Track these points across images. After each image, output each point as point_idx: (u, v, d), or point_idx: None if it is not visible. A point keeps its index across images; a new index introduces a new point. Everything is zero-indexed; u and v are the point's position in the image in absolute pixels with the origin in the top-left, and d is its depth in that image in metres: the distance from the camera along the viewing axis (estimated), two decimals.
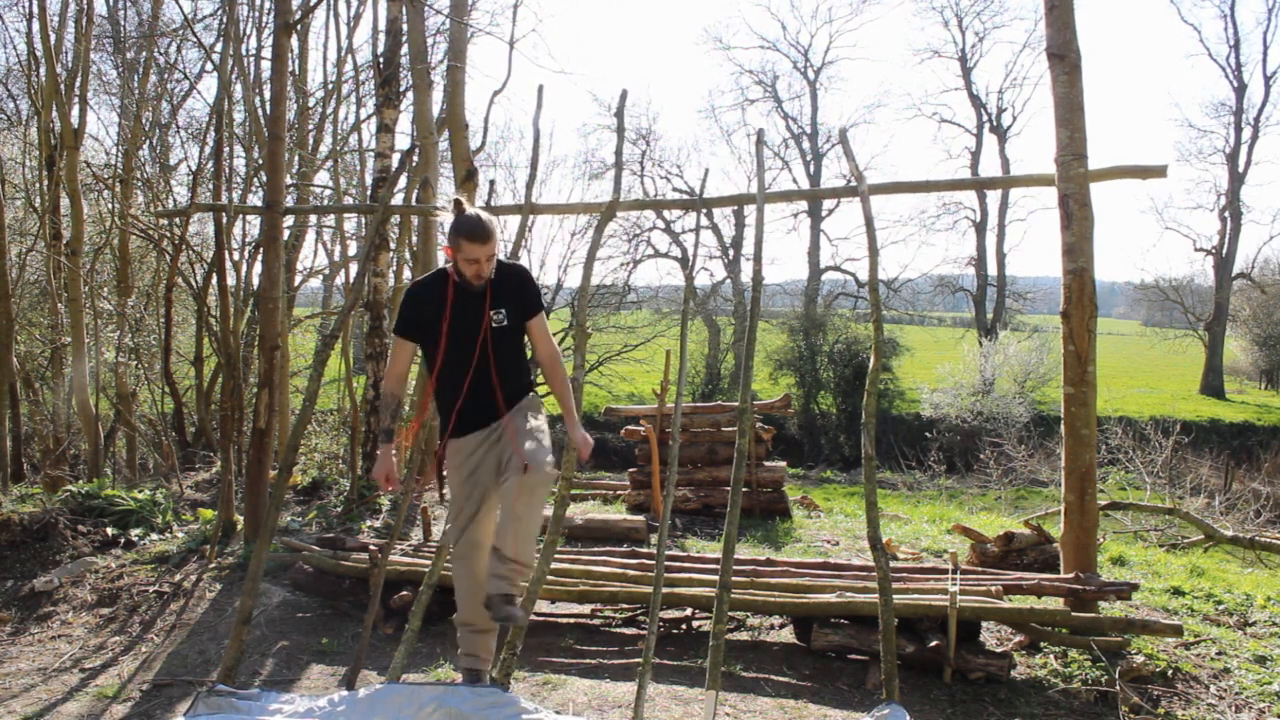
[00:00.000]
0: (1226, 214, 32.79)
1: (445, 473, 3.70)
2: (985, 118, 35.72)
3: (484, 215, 3.44)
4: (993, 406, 23.39)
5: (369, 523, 7.12)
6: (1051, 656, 4.29)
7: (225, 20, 9.90)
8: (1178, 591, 5.41)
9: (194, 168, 12.65)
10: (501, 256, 3.58)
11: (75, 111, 10.47)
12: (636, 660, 4.13)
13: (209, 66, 13.05)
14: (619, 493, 9.43)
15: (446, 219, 3.46)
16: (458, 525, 3.60)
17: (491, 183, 17.52)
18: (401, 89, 9.64)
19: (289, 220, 11.08)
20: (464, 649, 3.71)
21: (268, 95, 7.77)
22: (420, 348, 3.61)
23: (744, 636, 4.74)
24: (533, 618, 4.31)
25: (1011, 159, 35.44)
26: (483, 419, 3.55)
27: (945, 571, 4.68)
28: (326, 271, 17.46)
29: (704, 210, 5.95)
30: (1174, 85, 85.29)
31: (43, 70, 10.55)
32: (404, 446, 7.23)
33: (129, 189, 11.52)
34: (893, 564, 4.99)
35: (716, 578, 3.92)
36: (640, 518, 7.02)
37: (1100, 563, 5.81)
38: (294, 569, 5.42)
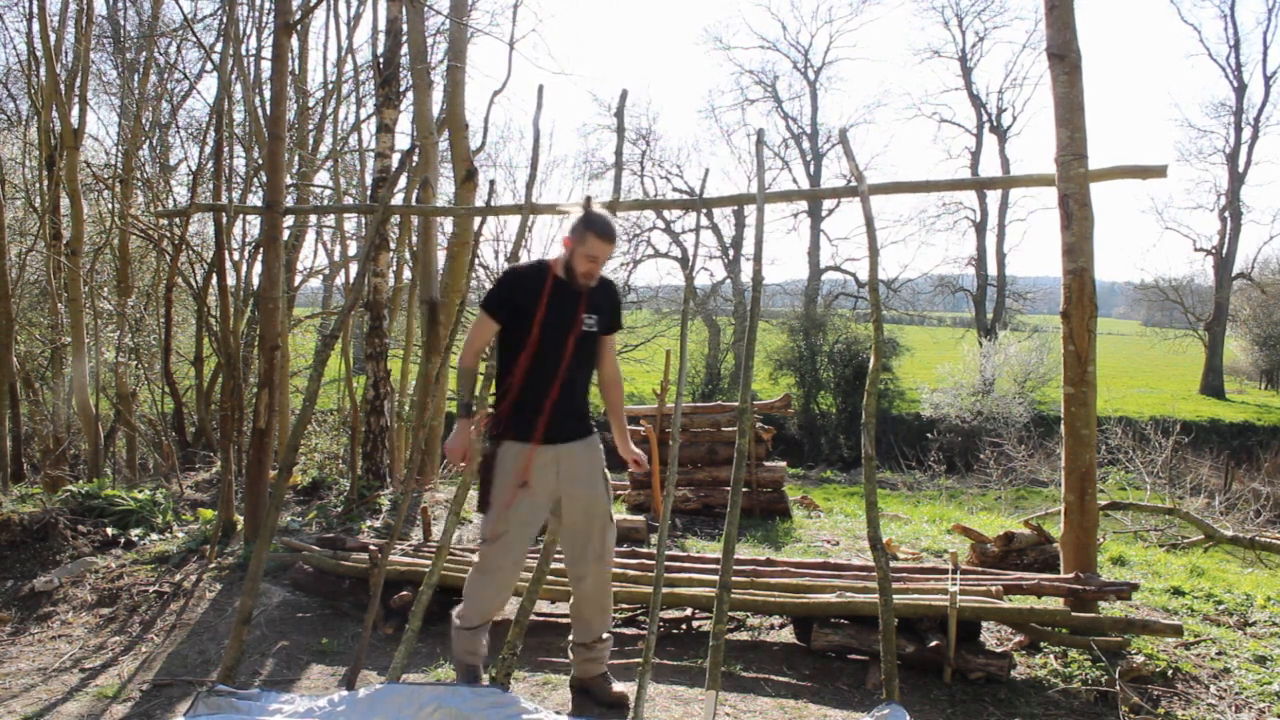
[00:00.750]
0: (1226, 214, 32.83)
1: (496, 473, 3.47)
2: (985, 118, 35.77)
3: (611, 218, 3.52)
4: (993, 406, 23.41)
5: (369, 523, 7.12)
6: (1051, 656, 4.29)
7: (225, 20, 9.91)
8: (1178, 591, 5.41)
9: (194, 168, 12.66)
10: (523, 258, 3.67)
11: (75, 111, 10.47)
12: (636, 660, 4.12)
13: (209, 66, 13.07)
14: (619, 493, 9.43)
15: (573, 213, 3.49)
16: (503, 544, 3.45)
17: (491, 183, 17.46)
18: (401, 89, 9.63)
19: (289, 220, 11.08)
20: (465, 646, 3.68)
21: (268, 95, 7.77)
22: (503, 334, 3.49)
23: (744, 636, 4.74)
24: (533, 618, 4.31)
25: (1011, 159, 35.54)
26: (559, 431, 3.45)
27: (945, 571, 4.68)
28: (326, 271, 17.47)
29: (704, 210, 5.94)
30: (1174, 85, 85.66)
31: (43, 70, 10.55)
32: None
33: (129, 189, 11.52)
34: (893, 564, 4.99)
35: (716, 578, 3.92)
36: (640, 518, 7.02)
37: (1100, 563, 5.81)
38: (294, 569, 5.42)
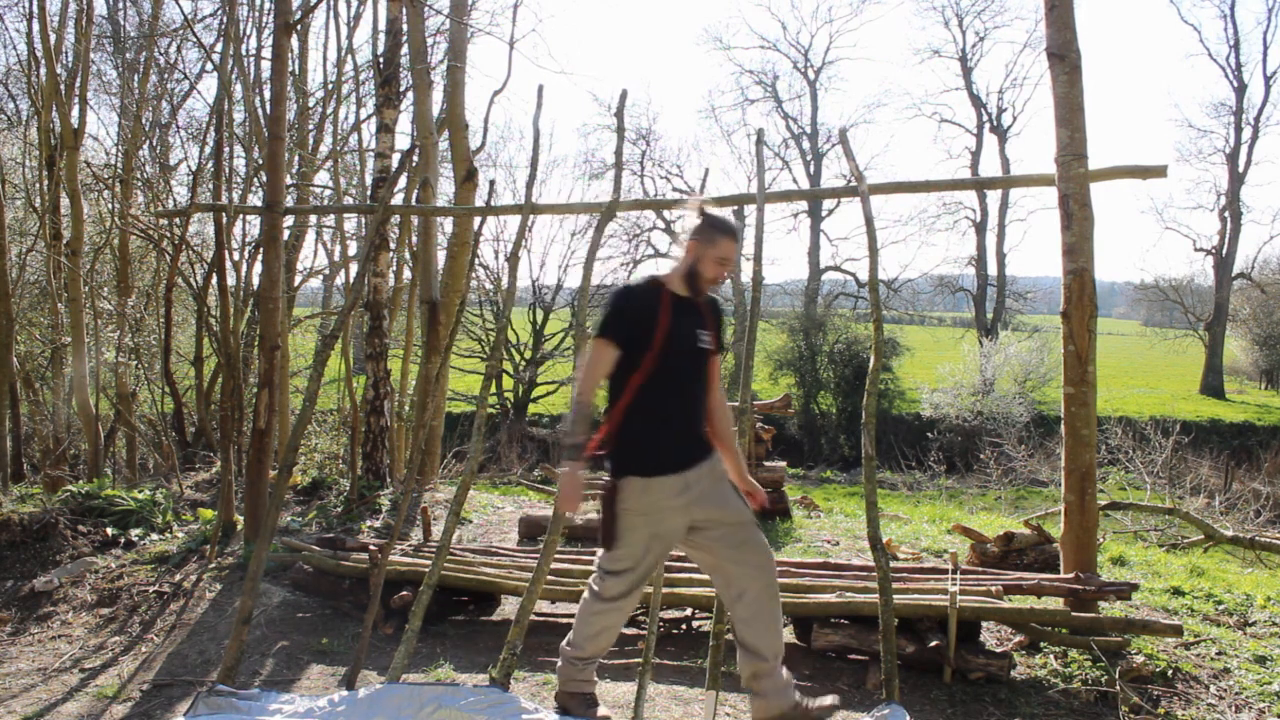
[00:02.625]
0: (1226, 214, 32.81)
1: (618, 512, 3.18)
2: (985, 118, 35.76)
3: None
4: (993, 406, 23.41)
5: (369, 523, 7.12)
6: (1051, 656, 4.29)
7: (225, 20, 9.90)
8: (1178, 591, 5.41)
9: (194, 168, 12.64)
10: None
11: (75, 111, 10.46)
12: (636, 660, 4.13)
13: (209, 66, 13.06)
14: None
15: (688, 216, 3.28)
16: (630, 579, 3.23)
17: (491, 183, 17.52)
18: (401, 89, 9.63)
19: (289, 220, 11.08)
20: (578, 675, 3.44)
21: (268, 95, 7.77)
22: (622, 359, 3.19)
23: None
24: (533, 618, 4.31)
25: (1011, 159, 35.52)
26: (685, 457, 3.21)
27: (945, 571, 4.68)
28: (326, 271, 17.44)
29: None
30: (1174, 85, 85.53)
31: (43, 70, 10.54)
32: (401, 446, 7.22)
33: (129, 189, 11.51)
34: (893, 564, 4.99)
35: None
36: None
37: (1100, 563, 5.81)
38: (294, 569, 5.42)
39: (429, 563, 4.73)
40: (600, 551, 3.30)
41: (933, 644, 4.00)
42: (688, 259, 3.24)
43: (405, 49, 9.10)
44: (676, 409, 3.20)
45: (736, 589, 3.20)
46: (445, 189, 14.82)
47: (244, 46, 10.24)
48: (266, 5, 11.14)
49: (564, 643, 3.46)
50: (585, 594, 3.38)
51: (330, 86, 13.37)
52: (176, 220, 10.12)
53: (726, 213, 3.30)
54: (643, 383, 3.16)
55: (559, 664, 3.47)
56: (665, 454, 3.18)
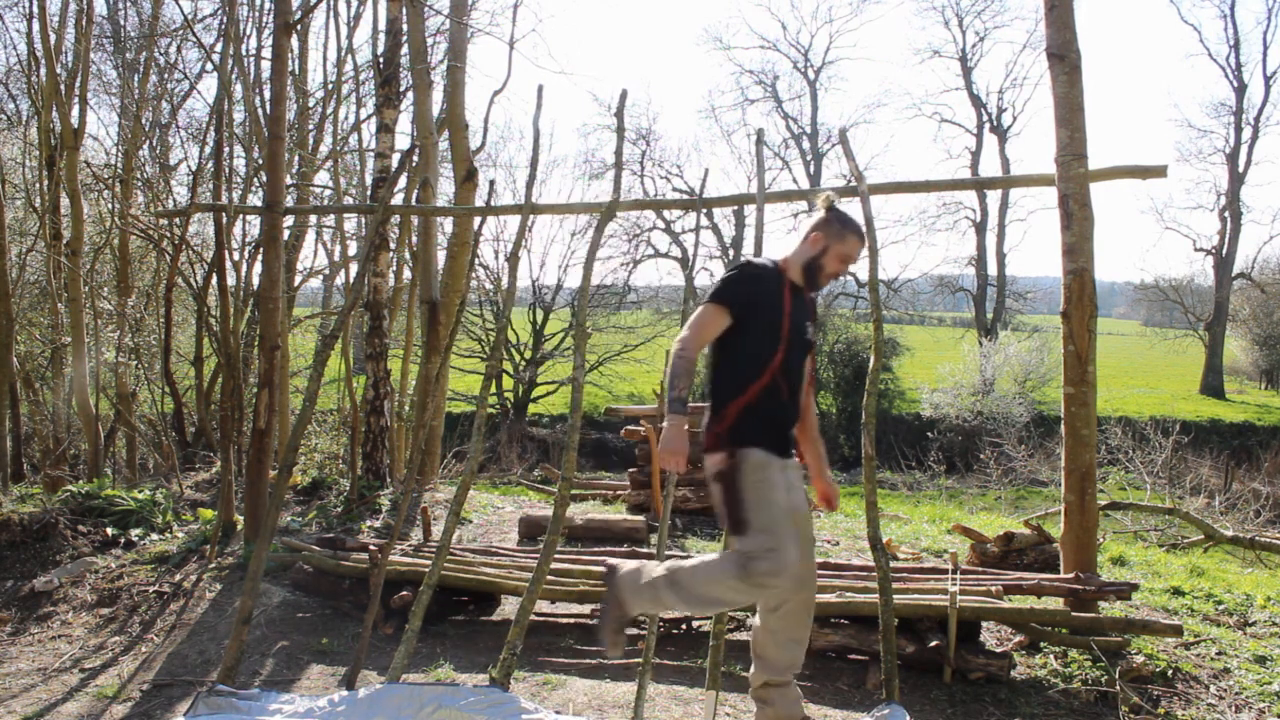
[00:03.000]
0: (1226, 214, 32.80)
1: (744, 486, 2.95)
2: (985, 118, 35.74)
3: None
4: (993, 406, 23.40)
5: (369, 523, 7.12)
6: (1051, 656, 4.29)
7: (225, 20, 9.90)
8: (1178, 591, 5.41)
9: (194, 168, 12.64)
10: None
11: (75, 111, 10.46)
12: (636, 660, 4.13)
13: (209, 66, 13.05)
14: (619, 493, 9.42)
15: (815, 209, 3.25)
16: (792, 551, 2.89)
17: (491, 183, 17.54)
18: (401, 89, 9.63)
19: (289, 220, 11.07)
20: (788, 697, 3.17)
21: (268, 95, 7.76)
22: (737, 334, 3.08)
23: (744, 636, 4.73)
24: (533, 618, 4.31)
25: (1011, 159, 35.48)
26: (790, 446, 3.14)
27: (945, 571, 4.68)
28: (326, 271, 17.43)
29: (704, 210, 5.94)
30: (1174, 85, 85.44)
31: (43, 70, 10.54)
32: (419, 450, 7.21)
33: (129, 189, 11.51)
34: (892, 564, 4.99)
35: None
36: (640, 518, 7.02)
37: (1100, 563, 5.81)
38: (294, 569, 5.42)
39: (429, 563, 4.73)
40: (731, 544, 3.00)
41: (933, 644, 4.01)
42: (811, 249, 3.19)
43: (405, 49, 9.11)
44: (788, 397, 3.11)
45: (779, 598, 3.05)
46: (445, 189, 14.82)
47: (244, 46, 10.24)
48: (266, 5, 11.14)
49: (755, 689, 3.20)
50: (715, 576, 2.95)
51: (330, 86, 13.37)
52: (176, 220, 10.12)
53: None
54: (766, 365, 3.04)
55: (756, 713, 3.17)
56: (781, 437, 3.09)
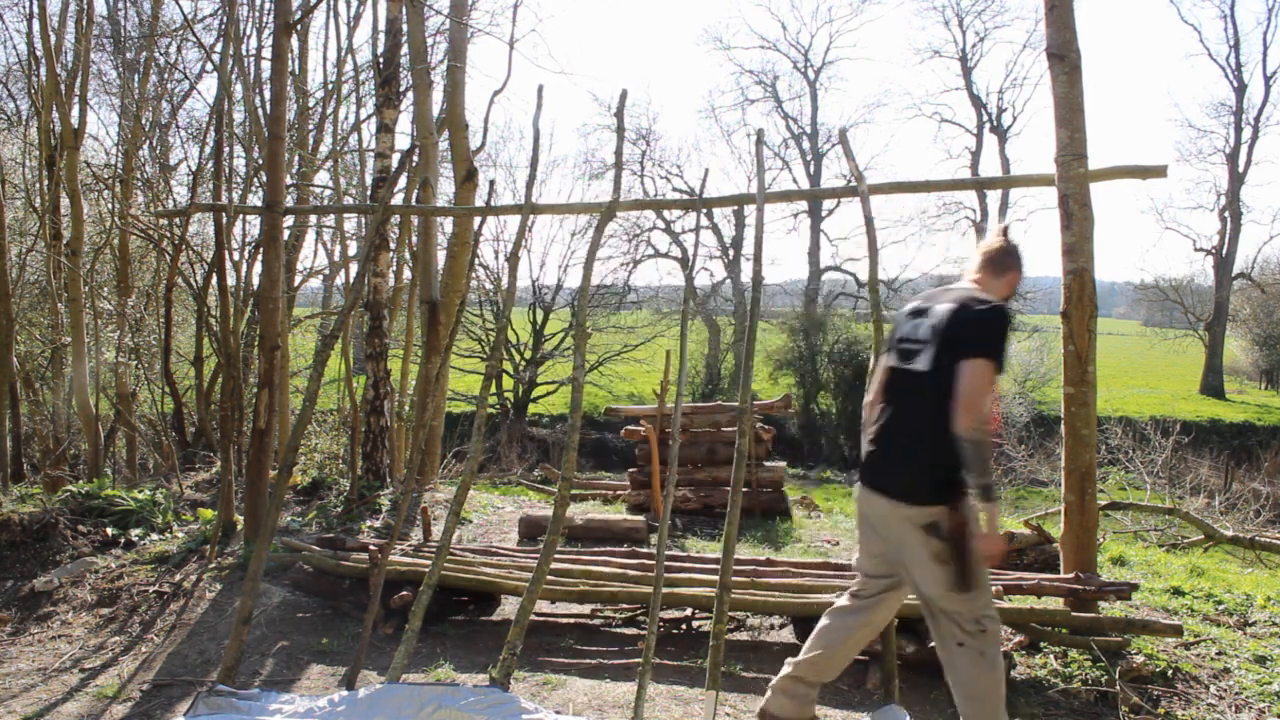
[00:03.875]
0: (1226, 214, 32.79)
1: (972, 541, 2.93)
2: (985, 118, 35.75)
3: None
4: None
5: (369, 523, 7.12)
6: (1051, 656, 4.29)
7: (225, 20, 9.90)
8: (1178, 591, 5.41)
9: (194, 168, 12.66)
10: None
11: (75, 111, 10.47)
12: (636, 660, 4.13)
13: (209, 66, 13.05)
14: (619, 493, 9.43)
15: (995, 242, 3.18)
16: (997, 623, 3.01)
17: (491, 183, 17.54)
18: (401, 89, 9.64)
19: (289, 220, 11.08)
20: (799, 713, 3.26)
21: (268, 95, 7.77)
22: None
23: (744, 636, 4.74)
24: (533, 618, 4.31)
25: (1011, 159, 35.49)
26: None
27: None
28: (326, 271, 17.45)
29: (704, 210, 5.94)
30: (1174, 85, 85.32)
31: (43, 70, 10.55)
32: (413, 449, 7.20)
33: (129, 189, 11.52)
34: None
35: (716, 578, 3.92)
36: (640, 518, 7.02)
37: (1100, 563, 5.81)
38: (294, 569, 5.42)
39: (429, 563, 4.74)
40: (951, 600, 2.95)
41: (932, 644, 4.00)
42: (1008, 289, 3.14)
43: (405, 49, 9.11)
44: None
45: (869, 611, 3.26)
46: (445, 189, 14.83)
47: (244, 46, 10.25)
48: (266, 5, 11.15)
49: (784, 678, 3.25)
50: (970, 672, 2.98)
51: (330, 86, 13.38)
52: (176, 220, 10.13)
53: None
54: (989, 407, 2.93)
55: None
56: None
